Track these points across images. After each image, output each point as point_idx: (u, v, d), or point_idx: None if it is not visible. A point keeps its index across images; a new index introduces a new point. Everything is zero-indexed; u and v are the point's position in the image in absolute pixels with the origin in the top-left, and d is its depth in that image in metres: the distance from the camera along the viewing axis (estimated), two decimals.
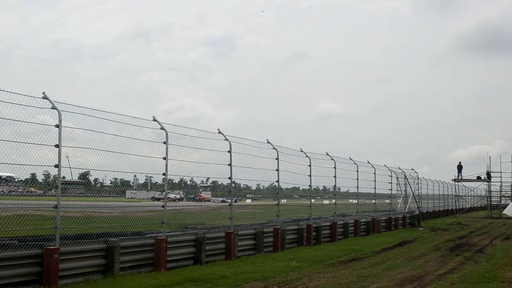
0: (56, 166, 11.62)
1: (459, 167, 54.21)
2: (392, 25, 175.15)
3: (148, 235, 14.60)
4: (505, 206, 52.50)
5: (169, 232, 15.27)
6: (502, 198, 54.71)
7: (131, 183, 17.94)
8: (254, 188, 28.54)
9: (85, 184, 16.89)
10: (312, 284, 12.35)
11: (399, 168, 37.60)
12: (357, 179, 28.35)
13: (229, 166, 17.29)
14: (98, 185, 17.64)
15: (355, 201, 29.76)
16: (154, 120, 14.75)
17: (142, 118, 14.58)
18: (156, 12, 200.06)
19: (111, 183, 17.88)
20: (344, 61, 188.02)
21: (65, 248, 11.67)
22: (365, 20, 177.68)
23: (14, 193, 15.31)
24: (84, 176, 16.45)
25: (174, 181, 17.55)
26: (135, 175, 16.96)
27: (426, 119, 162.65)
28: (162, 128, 14.75)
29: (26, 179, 13.09)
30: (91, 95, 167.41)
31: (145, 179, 18.20)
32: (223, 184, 21.16)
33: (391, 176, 34.48)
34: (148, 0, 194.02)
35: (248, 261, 16.24)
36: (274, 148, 19.88)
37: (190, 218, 19.02)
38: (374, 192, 31.29)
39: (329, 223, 24.23)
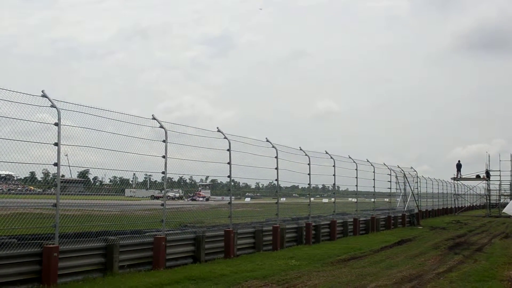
0: (55, 164, 11.61)
1: (458, 166, 54.25)
2: (391, 24, 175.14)
3: (147, 234, 14.60)
4: (504, 205, 52.28)
5: (169, 230, 15.28)
6: (501, 197, 54.72)
7: (130, 182, 17.96)
8: (253, 186, 28.59)
9: (84, 182, 16.88)
10: (311, 283, 12.35)
11: (398, 167, 37.63)
12: (356, 177, 28.37)
13: (228, 165, 17.29)
14: (97, 184, 17.62)
15: (354, 200, 29.77)
16: (153, 118, 14.75)
17: (141, 117, 14.60)
18: (154, 11, 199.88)
19: (110, 182, 17.86)
20: (343, 60, 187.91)
21: (64, 247, 11.67)
22: (364, 19, 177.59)
23: (13, 191, 15.29)
24: (83, 174, 16.44)
25: (173, 180, 17.57)
26: (134, 174, 16.99)
27: (425, 118, 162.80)
28: (161, 127, 14.75)
29: (25, 178, 13.08)
30: (89, 93, 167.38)
31: (144, 177, 18.23)
32: (222, 182, 21.17)
33: (390, 174, 34.49)
34: None
35: (247, 259, 16.24)
36: (273, 147, 19.88)
37: (190, 216, 19.03)
38: (373, 190, 31.30)
39: (328, 222, 24.25)
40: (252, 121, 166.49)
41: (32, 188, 15.98)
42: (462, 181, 58.52)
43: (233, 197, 17.93)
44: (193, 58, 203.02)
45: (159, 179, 15.90)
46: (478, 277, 13.39)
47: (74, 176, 15.57)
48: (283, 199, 25.21)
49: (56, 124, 11.68)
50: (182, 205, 21.00)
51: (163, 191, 15.22)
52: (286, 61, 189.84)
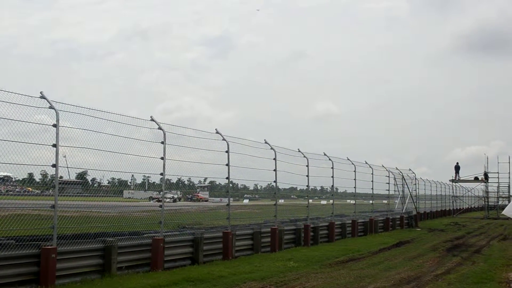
0: (54, 165, 11.61)
1: (457, 168, 54.32)
2: (390, 24, 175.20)
3: (145, 235, 14.59)
4: (502, 207, 52.51)
5: (167, 232, 15.26)
6: (500, 199, 54.78)
7: (129, 183, 17.94)
8: (251, 188, 28.52)
9: (82, 183, 16.88)
10: (309, 284, 12.35)
11: (397, 169, 37.66)
12: (355, 179, 28.39)
13: (227, 166, 17.28)
14: (95, 185, 17.64)
15: (352, 202, 29.78)
16: (152, 120, 14.75)
17: (140, 118, 14.59)
18: (154, 12, 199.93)
19: (108, 183, 17.87)
20: (342, 61, 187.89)
21: (62, 248, 11.66)
22: (363, 20, 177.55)
23: (11, 192, 15.30)
24: (81, 176, 16.45)
25: (171, 181, 17.55)
26: (132, 175, 16.96)
27: (424, 119, 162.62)
28: (159, 128, 14.75)
29: (23, 179, 13.08)
30: (88, 94, 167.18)
31: (143, 179, 18.20)
32: (220, 184, 21.18)
33: (388, 176, 34.52)
34: None
35: (245, 261, 16.24)
36: (271, 148, 19.89)
37: (188, 218, 19.02)
38: (371, 192, 31.33)
39: (327, 224, 24.26)
40: (251, 123, 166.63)
41: (30, 189, 16.00)
42: (460, 183, 58.63)
43: (231, 198, 17.93)
44: (192, 59, 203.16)
45: (157, 181, 15.90)
46: (476, 279, 13.40)
47: (73, 177, 15.59)
48: (281, 201, 25.17)
49: (54, 126, 11.68)
50: (180, 206, 20.96)
51: (161, 193, 15.22)
52: (285, 62, 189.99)
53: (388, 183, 34.42)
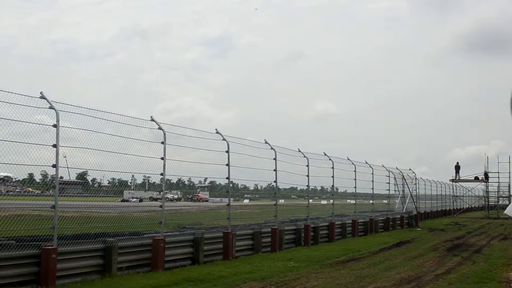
0: (54, 166, 11.61)
1: (457, 168, 54.28)
2: (390, 25, 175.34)
3: (146, 235, 14.58)
4: (502, 207, 52.54)
5: (167, 232, 15.26)
6: (500, 199, 54.74)
7: (129, 183, 17.93)
8: (252, 188, 28.53)
9: (82, 184, 16.88)
10: (310, 284, 12.35)
11: (397, 168, 37.64)
12: (355, 179, 28.37)
13: (227, 166, 17.27)
14: (95, 185, 17.64)
15: (353, 201, 29.77)
16: (152, 120, 14.74)
17: (140, 118, 14.59)
18: (153, 12, 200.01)
19: (109, 183, 17.86)
20: (342, 61, 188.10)
21: (62, 248, 11.65)
22: (363, 20, 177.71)
23: (11, 193, 15.29)
24: (81, 176, 16.45)
25: (172, 181, 17.55)
26: (133, 175, 16.96)
27: (424, 119, 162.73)
28: (160, 128, 14.74)
29: (23, 179, 13.08)
30: (88, 95, 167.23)
31: (143, 179, 18.19)
32: (221, 184, 21.18)
33: (388, 176, 34.50)
34: None
35: (246, 261, 16.23)
36: (272, 148, 19.88)
37: (188, 218, 19.01)
38: (372, 192, 31.32)
39: (327, 223, 24.24)
40: (251, 123, 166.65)
41: (31, 189, 15.98)
42: (460, 183, 58.58)
43: (231, 198, 17.92)
44: (192, 59, 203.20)
45: (157, 181, 15.89)
46: (477, 278, 13.40)
47: (73, 177, 15.58)
48: (281, 201, 25.17)
49: (54, 126, 11.68)
50: (180, 206, 20.96)
51: (161, 193, 15.21)
52: (285, 62, 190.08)
53: (388, 183, 34.41)
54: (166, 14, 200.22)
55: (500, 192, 54.47)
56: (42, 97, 11.72)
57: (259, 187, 27.73)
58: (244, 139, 18.75)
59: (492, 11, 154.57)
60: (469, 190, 63.12)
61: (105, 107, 13.21)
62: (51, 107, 11.75)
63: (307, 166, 22.74)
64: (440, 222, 41.31)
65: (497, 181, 53.57)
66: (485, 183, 54.06)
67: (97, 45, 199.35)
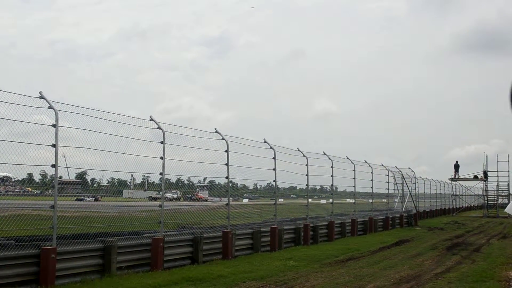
0: (53, 166, 11.60)
1: (456, 166, 54.32)
2: (390, 24, 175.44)
3: (145, 235, 14.59)
4: (502, 205, 52.55)
5: (166, 231, 15.26)
6: (499, 197, 54.76)
7: (128, 183, 17.94)
8: (251, 187, 28.56)
9: (82, 184, 16.88)
10: (309, 284, 12.36)
11: (396, 167, 37.67)
12: (354, 178, 28.37)
13: (226, 166, 17.27)
14: (95, 185, 17.64)
15: (352, 201, 29.79)
16: (151, 119, 14.74)
17: (139, 118, 14.58)
18: (152, 12, 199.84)
19: (108, 183, 17.87)
20: (341, 60, 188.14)
21: (62, 248, 11.65)
22: (363, 20, 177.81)
23: (11, 193, 15.29)
24: (81, 176, 16.44)
25: (171, 181, 17.56)
26: (132, 175, 16.97)
27: (423, 118, 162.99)
28: (159, 128, 14.73)
29: (23, 179, 13.08)
30: (87, 95, 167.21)
31: (142, 178, 18.20)
32: (220, 183, 21.18)
33: (388, 175, 34.51)
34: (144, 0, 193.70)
35: (245, 260, 16.24)
36: (271, 148, 19.88)
37: (187, 217, 19.02)
38: (371, 191, 31.33)
39: (326, 223, 24.25)
40: (251, 122, 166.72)
41: (30, 189, 15.98)
42: (460, 182, 58.58)
43: (231, 198, 17.92)
44: (192, 59, 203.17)
45: (157, 180, 15.89)
46: (476, 277, 13.41)
47: (72, 177, 15.57)
48: (281, 200, 25.19)
49: (53, 126, 11.67)
50: (180, 206, 20.97)
51: (161, 192, 15.22)
52: (284, 61, 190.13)
53: (388, 182, 34.41)
54: (165, 14, 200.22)
55: (499, 191, 54.49)
56: (41, 97, 11.71)
57: (259, 187, 27.77)
58: (244, 138, 18.77)
59: (492, 11, 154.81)
60: (468, 189, 63.20)
61: (104, 107, 13.24)
62: (50, 107, 11.75)
63: (307, 165, 22.74)
64: (439, 221, 41.33)
65: (496, 180, 53.64)
66: (484, 182, 54.09)
67: (96, 45, 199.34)
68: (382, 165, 34.32)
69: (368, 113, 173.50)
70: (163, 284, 11.87)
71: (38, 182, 13.78)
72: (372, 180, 31.00)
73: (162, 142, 14.65)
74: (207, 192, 33.94)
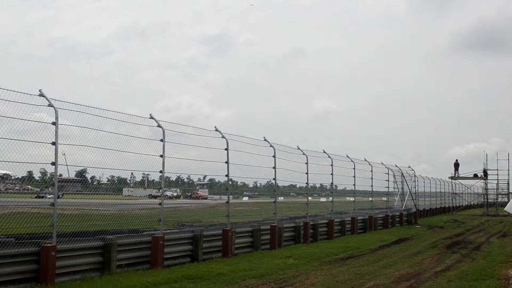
0: (53, 163, 11.60)
1: (456, 165, 54.31)
2: (390, 23, 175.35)
3: (145, 233, 14.59)
4: (501, 204, 52.54)
5: (166, 229, 15.26)
6: (499, 196, 54.77)
7: (128, 181, 17.93)
8: (251, 185, 28.53)
9: (82, 181, 16.87)
10: (309, 282, 12.36)
11: (396, 166, 37.67)
12: (354, 176, 28.39)
13: (226, 164, 17.27)
14: (95, 183, 17.62)
15: (352, 199, 29.79)
16: (151, 117, 14.73)
17: (139, 116, 14.59)
18: (152, 10, 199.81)
19: (108, 181, 17.85)
20: (341, 59, 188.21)
21: (62, 246, 11.66)
22: (363, 19, 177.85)
23: (10, 190, 15.27)
24: (81, 173, 16.44)
25: (171, 179, 17.55)
26: (132, 173, 16.96)
27: (423, 117, 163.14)
28: (159, 126, 14.73)
29: (22, 177, 13.05)
30: (87, 93, 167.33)
31: (142, 176, 18.20)
32: (220, 181, 21.16)
33: (388, 173, 34.52)
34: None
35: (245, 258, 16.24)
36: (271, 146, 19.87)
37: (187, 215, 19.02)
38: (371, 189, 31.34)
39: (326, 221, 24.26)
40: (251, 121, 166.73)
41: (30, 187, 15.97)
42: (459, 180, 58.56)
43: (231, 196, 17.92)
44: (191, 58, 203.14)
45: (156, 178, 15.89)
46: (476, 275, 13.41)
47: (72, 175, 15.57)
48: (281, 198, 25.21)
49: (53, 123, 11.67)
50: (180, 204, 20.98)
51: (160, 190, 15.21)
52: (284, 60, 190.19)
53: (388, 180, 34.45)
54: (165, 12, 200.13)
55: (499, 190, 54.49)
56: (41, 95, 11.71)
57: (258, 185, 27.73)
58: (243, 136, 18.78)
59: (492, 10, 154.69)
60: (468, 188, 63.14)
61: (104, 105, 13.22)
62: (50, 105, 11.74)
63: (306, 163, 22.75)
64: (439, 220, 41.34)
65: (496, 178, 53.64)
66: (484, 181, 54.11)
67: (95, 44, 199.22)
68: (382, 163, 34.35)
69: (368, 112, 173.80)
70: (163, 282, 11.87)
71: (38, 180, 13.77)
72: (372, 178, 31.03)
73: (162, 140, 14.65)
74: (207, 190, 33.90)
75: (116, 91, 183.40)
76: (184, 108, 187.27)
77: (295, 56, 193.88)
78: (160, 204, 14.71)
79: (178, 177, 18.81)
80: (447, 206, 57.82)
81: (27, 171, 12.54)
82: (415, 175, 42.66)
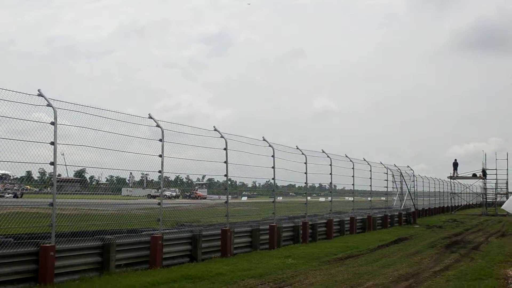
0: (52, 163, 11.59)
1: (455, 165, 54.37)
2: (389, 22, 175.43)
3: (144, 233, 14.59)
4: (500, 204, 52.56)
5: (165, 229, 15.27)
6: (498, 196, 54.82)
7: (127, 181, 17.92)
8: (250, 185, 28.58)
9: (81, 181, 16.87)
10: (308, 281, 12.36)
11: (395, 165, 37.68)
12: (353, 176, 28.41)
13: (225, 164, 17.27)
14: (93, 183, 17.61)
15: (351, 199, 29.79)
16: (150, 117, 14.73)
17: (138, 116, 14.58)
18: (151, 9, 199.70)
19: (107, 181, 17.85)
20: (341, 59, 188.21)
21: (60, 246, 11.66)
22: (362, 17, 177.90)
23: (9, 190, 15.28)
24: (79, 173, 16.44)
25: (170, 179, 17.55)
26: (131, 173, 16.96)
27: (422, 117, 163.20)
28: (158, 126, 14.72)
29: (21, 177, 13.05)
30: (86, 92, 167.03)
31: (141, 176, 18.19)
32: (219, 181, 21.18)
33: (387, 173, 34.54)
34: None
35: (244, 258, 16.25)
36: (270, 146, 19.87)
37: (186, 215, 19.02)
38: (370, 189, 31.35)
39: (325, 221, 24.26)
40: (251, 120, 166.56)
41: (29, 187, 15.97)
42: (458, 180, 58.61)
43: (230, 196, 17.92)
44: (191, 57, 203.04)
45: (155, 178, 15.89)
46: (475, 275, 13.42)
47: (71, 175, 15.57)
48: (279, 198, 25.22)
49: (52, 123, 11.66)
50: (178, 204, 20.99)
51: (159, 190, 15.21)
52: (284, 59, 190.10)
53: (387, 180, 34.48)
54: (164, 11, 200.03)
55: (498, 189, 54.54)
56: (40, 95, 11.70)
57: (257, 185, 27.79)
58: (243, 136, 18.79)
59: (491, 8, 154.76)
60: (467, 187, 63.19)
61: (103, 105, 13.24)
62: (49, 105, 11.74)
63: (305, 163, 22.76)
64: (438, 219, 41.37)
65: (495, 178, 53.69)
66: (483, 180, 54.15)
67: (95, 43, 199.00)
68: (381, 163, 34.37)
69: (368, 111, 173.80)
70: (162, 282, 11.87)
71: (37, 180, 13.76)
72: (371, 178, 31.05)
73: (161, 140, 14.65)
74: (206, 190, 33.92)
75: (116, 91, 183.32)
76: (183, 108, 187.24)
77: (295, 55, 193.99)
78: (159, 204, 14.71)
79: (177, 177, 18.81)
80: (446, 205, 57.86)
81: (26, 171, 12.55)
82: (414, 175, 42.70)
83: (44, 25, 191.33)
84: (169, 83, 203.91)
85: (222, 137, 17.17)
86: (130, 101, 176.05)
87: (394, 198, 37.33)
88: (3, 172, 13.51)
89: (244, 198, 39.00)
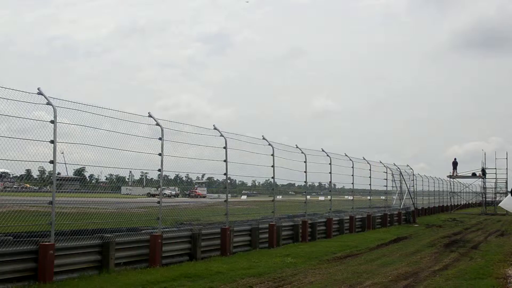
0: (51, 162, 11.59)
1: (454, 164, 54.39)
2: (389, 21, 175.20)
3: (143, 231, 14.59)
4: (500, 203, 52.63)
5: (165, 228, 15.27)
6: (497, 195, 54.83)
7: (127, 179, 17.92)
8: (249, 184, 28.53)
9: (80, 180, 16.86)
10: (307, 280, 12.38)
11: (395, 165, 37.68)
12: (353, 175, 28.40)
13: (225, 162, 17.28)
14: (93, 181, 17.62)
15: (350, 198, 29.82)
16: (150, 116, 14.73)
17: (138, 114, 14.59)
18: (151, 9, 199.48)
19: (106, 179, 17.86)
20: (340, 58, 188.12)
21: (60, 244, 11.66)
22: (361, 17, 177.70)
23: (9, 189, 15.27)
24: (79, 172, 16.43)
25: (169, 177, 17.55)
26: (130, 171, 16.95)
27: (422, 116, 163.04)
28: (157, 124, 14.73)
29: (21, 175, 13.06)
30: (86, 91, 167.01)
31: (141, 175, 18.19)
32: (218, 180, 21.19)
33: (386, 172, 34.54)
34: None
35: (243, 257, 16.26)
36: (269, 144, 19.88)
37: (186, 214, 19.02)
38: (369, 188, 31.36)
39: (325, 220, 24.26)
40: (250, 119, 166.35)
41: (28, 185, 15.96)
42: (458, 179, 58.63)
43: (229, 194, 17.93)
44: (190, 56, 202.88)
45: (155, 177, 15.89)
46: (474, 274, 13.44)
47: (70, 173, 15.56)
48: (279, 197, 25.21)
49: (52, 122, 11.67)
50: (178, 202, 20.99)
51: (159, 189, 15.21)
52: (283, 59, 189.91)
53: (386, 179, 34.47)
54: (163, 10, 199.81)
55: (498, 188, 54.55)
56: (40, 93, 11.70)
57: (257, 183, 27.76)
58: (242, 135, 18.79)
59: (491, 8, 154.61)
60: (466, 187, 63.23)
61: (103, 104, 13.21)
62: (49, 103, 11.74)
63: (305, 162, 22.76)
64: (437, 218, 41.40)
65: (495, 177, 53.70)
66: (482, 180, 54.16)
67: (94, 42, 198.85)
68: (381, 162, 34.37)
69: (367, 111, 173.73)
70: (161, 280, 11.88)
71: (36, 178, 13.76)
72: (370, 177, 31.07)
73: (160, 139, 14.65)
74: (206, 188, 33.92)
75: (115, 90, 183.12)
76: (183, 107, 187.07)
77: (295, 55, 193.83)
78: (158, 202, 14.72)
79: (177, 175, 18.79)
80: (445, 205, 57.87)
81: (26, 170, 12.56)
82: (413, 174, 42.70)
83: (44, 24, 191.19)
84: (168, 83, 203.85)
85: (221, 135, 17.18)
86: (129, 100, 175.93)
87: (394, 197, 37.33)
88: (2, 170, 13.52)
89: (244, 197, 38.96)
